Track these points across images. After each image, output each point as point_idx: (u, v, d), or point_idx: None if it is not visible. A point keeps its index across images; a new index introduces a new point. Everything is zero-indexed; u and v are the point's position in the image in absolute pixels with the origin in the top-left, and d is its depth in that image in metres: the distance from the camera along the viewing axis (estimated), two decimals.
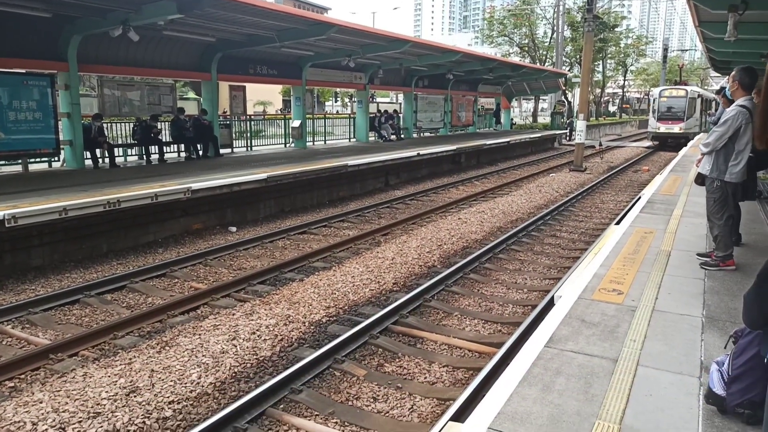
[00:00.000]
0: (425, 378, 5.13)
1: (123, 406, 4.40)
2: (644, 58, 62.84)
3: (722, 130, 5.36)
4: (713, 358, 3.24)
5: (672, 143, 29.16)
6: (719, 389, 2.95)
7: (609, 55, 50.89)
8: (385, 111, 25.08)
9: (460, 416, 4.08)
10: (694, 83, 41.93)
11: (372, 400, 4.73)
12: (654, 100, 30.96)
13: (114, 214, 9.14)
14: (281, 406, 4.62)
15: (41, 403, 4.43)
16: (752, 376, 2.77)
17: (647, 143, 32.81)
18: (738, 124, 5.29)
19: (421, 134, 27.42)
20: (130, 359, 5.23)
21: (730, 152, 5.41)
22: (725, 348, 3.25)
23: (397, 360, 5.48)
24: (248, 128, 19.74)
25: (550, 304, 5.75)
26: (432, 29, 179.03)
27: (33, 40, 11.72)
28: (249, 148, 19.05)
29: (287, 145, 20.46)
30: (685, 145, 23.72)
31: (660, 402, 3.12)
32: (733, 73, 5.54)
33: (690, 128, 28.85)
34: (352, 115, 25.02)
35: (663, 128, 29.32)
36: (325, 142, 22.57)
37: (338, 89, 44.87)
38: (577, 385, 3.30)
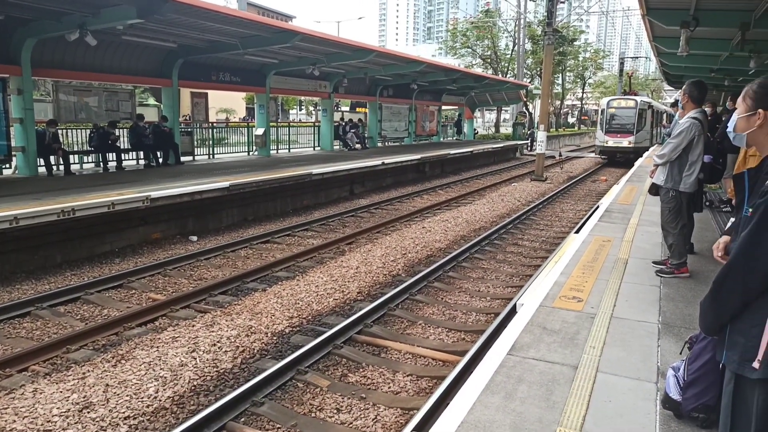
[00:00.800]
0: (389, 388, 5.10)
1: (75, 423, 4.23)
2: (602, 72, 64.72)
3: (677, 141, 5.54)
4: (669, 363, 3.32)
5: (621, 158, 26.92)
6: (675, 394, 3.02)
7: (568, 68, 52.24)
8: (350, 120, 25.09)
9: (423, 426, 4.07)
10: (644, 93, 39.42)
11: (335, 411, 4.67)
12: (601, 111, 28.44)
13: (68, 224, 8.84)
14: (242, 419, 4.52)
15: None
16: (706, 381, 2.84)
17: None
18: (692, 136, 5.47)
19: (386, 143, 27.53)
20: (84, 374, 5.04)
21: (684, 163, 5.58)
22: (681, 354, 3.33)
23: (361, 370, 5.44)
24: (210, 136, 19.45)
25: (513, 311, 5.81)
26: (396, 39, 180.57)
27: None
28: (211, 156, 18.75)
29: (250, 153, 20.24)
30: (635, 161, 21.66)
31: (619, 408, 3.17)
32: (684, 86, 5.74)
33: (640, 142, 26.70)
34: (316, 124, 24.93)
35: (611, 142, 26.86)
36: (289, 151, 22.41)
37: (303, 97, 44.68)
38: (539, 393, 3.33)
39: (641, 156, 23.03)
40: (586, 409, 3.14)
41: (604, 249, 6.91)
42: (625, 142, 26.40)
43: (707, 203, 9.97)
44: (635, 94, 30.10)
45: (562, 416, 3.07)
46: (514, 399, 3.25)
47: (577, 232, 9.13)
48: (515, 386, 3.40)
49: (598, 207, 10.83)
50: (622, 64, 38.43)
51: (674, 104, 8.92)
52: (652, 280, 5.67)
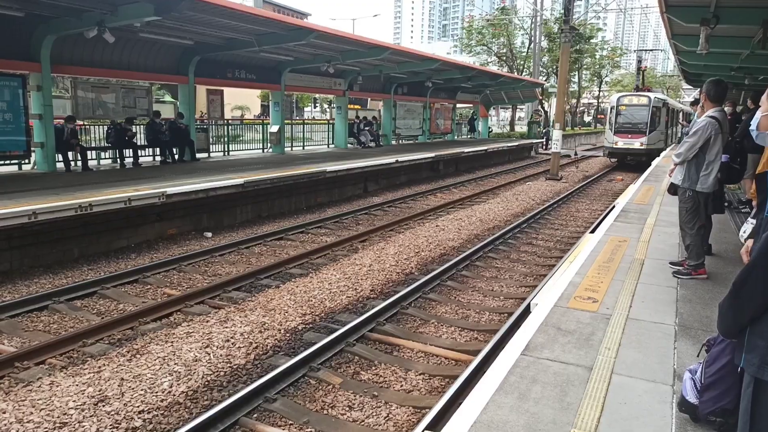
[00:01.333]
0: (401, 386, 5.09)
1: (91, 416, 4.27)
2: (619, 70, 64.04)
3: (693, 140, 5.46)
4: (686, 366, 3.27)
5: (632, 161, 24.61)
6: (692, 397, 2.97)
7: (585, 66, 51.76)
8: (364, 117, 25.09)
9: (436, 425, 4.06)
10: (659, 90, 36.36)
11: (347, 408, 4.67)
12: (611, 108, 25.54)
13: (86, 219, 8.95)
14: (255, 415, 4.54)
15: (4, 413, 4.28)
16: (724, 384, 2.79)
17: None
18: (708, 135, 5.40)
19: (400, 141, 27.49)
20: (100, 367, 5.10)
21: (701, 162, 5.50)
22: (698, 356, 3.29)
23: (374, 368, 5.43)
24: (226, 133, 19.56)
25: (526, 311, 5.77)
26: (411, 37, 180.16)
27: (4, 40, 11.46)
28: (226, 153, 18.86)
29: (265, 150, 20.33)
30: (648, 164, 19.66)
31: (634, 410, 3.13)
32: (704, 85, 5.66)
33: (653, 143, 23.99)
34: (330, 121, 24.98)
35: (621, 143, 24.10)
36: (303, 148, 22.47)
37: (317, 95, 44.78)
38: (553, 394, 3.30)
39: (654, 158, 21.28)
40: (600, 411, 3.11)
41: (620, 249, 6.83)
42: (637, 143, 23.70)
43: (726, 204, 9.82)
44: (649, 91, 27.20)
45: (576, 418, 3.04)
46: (528, 399, 3.23)
47: (592, 232, 9.05)
48: (529, 387, 3.38)
49: (614, 207, 10.72)
50: (639, 61, 37.66)
51: (694, 103, 8.80)
52: (669, 281, 5.60)
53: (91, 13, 11.26)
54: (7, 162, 12.54)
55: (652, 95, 24.63)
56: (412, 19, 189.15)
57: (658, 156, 21.58)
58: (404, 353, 5.81)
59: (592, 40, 48.76)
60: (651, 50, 42.26)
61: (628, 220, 8.72)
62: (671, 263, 6.10)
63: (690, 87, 35.75)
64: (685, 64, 17.84)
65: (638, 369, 3.64)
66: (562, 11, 21.96)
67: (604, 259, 6.33)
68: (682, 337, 4.18)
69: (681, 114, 32.17)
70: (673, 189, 6.00)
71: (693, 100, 20.10)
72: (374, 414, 4.59)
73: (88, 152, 13.95)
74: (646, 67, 34.72)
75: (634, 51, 42.48)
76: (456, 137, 33.83)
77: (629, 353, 3.87)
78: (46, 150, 12.57)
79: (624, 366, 3.67)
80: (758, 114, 2.16)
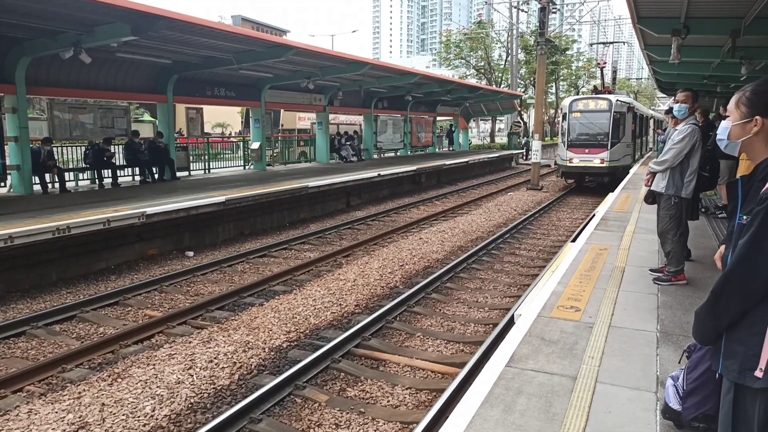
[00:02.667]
0: (388, 401, 5.06)
1: None
2: (595, 80, 65.10)
3: (681, 146, 5.54)
4: (669, 372, 3.30)
5: (591, 183, 20.40)
6: (675, 404, 3.00)
7: (561, 77, 52.51)
8: (345, 132, 25.15)
9: None
10: (623, 92, 28.55)
11: (334, 426, 4.63)
12: (563, 116, 19.84)
13: (64, 241, 8.80)
14: None
15: None
16: (706, 390, 2.82)
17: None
18: (694, 140, 5.51)
19: (382, 155, 27.59)
20: (80, 393, 4.99)
21: (685, 169, 5.60)
22: (680, 363, 3.32)
23: (360, 384, 5.39)
24: (206, 151, 19.46)
25: (511, 322, 5.79)
26: (390, 52, 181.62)
27: None
28: (207, 171, 18.75)
29: (246, 167, 20.24)
30: (613, 186, 15.61)
31: (619, 418, 3.15)
32: (677, 95, 5.78)
33: (617, 159, 18.65)
34: (311, 137, 24.99)
35: (577, 160, 18.74)
36: (285, 165, 22.43)
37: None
38: (538, 405, 3.30)
39: (620, 179, 17.20)
40: (585, 420, 3.12)
41: (601, 257, 6.90)
42: (596, 159, 18.48)
43: (703, 209, 9.99)
44: (609, 92, 21.74)
45: (562, 428, 3.04)
46: (514, 411, 3.23)
47: (573, 240, 9.13)
48: (514, 398, 3.38)
49: (594, 215, 10.85)
50: (614, 72, 38.22)
51: (668, 112, 8.95)
52: (650, 288, 5.66)
53: (66, 34, 11.18)
54: None
55: (613, 98, 19.12)
56: (391, 34, 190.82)
57: (626, 174, 17.55)
58: (390, 368, 5.78)
59: (567, 52, 49.53)
60: (612, 43, 35.97)
61: (608, 228, 8.82)
62: (651, 270, 6.17)
63: (664, 96, 36.34)
64: (658, 73, 18.23)
65: (622, 377, 3.66)
66: (538, 24, 22.25)
67: (585, 268, 6.39)
68: (664, 343, 4.22)
69: (652, 121, 29.80)
70: (651, 198, 6.07)
71: (667, 108, 20.21)
72: (361, 431, 4.54)
73: (66, 174, 13.77)
74: (605, 63, 27.26)
75: (619, 73, 39.71)
76: (437, 150, 34.04)
77: (613, 361, 3.90)
78: (23, 172, 12.38)
79: (608, 374, 3.69)
80: (726, 123, 2.18)
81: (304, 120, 29.40)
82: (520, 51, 41.98)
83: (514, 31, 39.88)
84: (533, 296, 5.69)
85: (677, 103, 5.76)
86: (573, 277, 6.02)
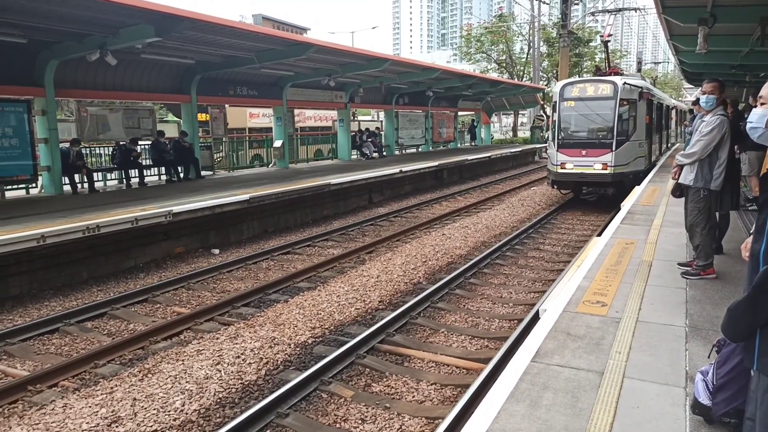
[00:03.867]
0: (413, 397, 5.08)
1: None
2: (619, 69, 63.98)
3: (709, 138, 5.44)
4: (698, 367, 3.26)
5: (590, 195, 16.58)
6: (705, 399, 2.96)
7: (585, 69, 51.82)
8: (367, 129, 25.18)
9: None
10: (636, 75, 18.92)
11: (360, 421, 4.67)
12: (553, 105, 15.14)
13: (93, 240, 9.01)
14: (267, 431, 4.54)
15: None
16: (737, 385, 2.78)
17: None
18: (723, 132, 5.40)
19: (403, 151, 27.57)
20: (112, 388, 5.12)
21: (714, 161, 5.50)
22: (709, 357, 3.27)
23: (385, 379, 5.43)
24: (230, 149, 19.67)
25: (536, 317, 5.76)
26: (411, 47, 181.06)
27: (9, 66, 11.61)
28: (231, 170, 18.96)
29: (269, 165, 20.41)
30: (618, 201, 11.96)
31: (647, 414, 3.12)
32: (704, 86, 5.66)
33: (625, 163, 13.88)
34: (333, 134, 25.09)
35: (571, 165, 14.13)
36: (307, 162, 22.56)
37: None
38: (565, 400, 3.29)
39: (629, 189, 13.03)
40: (613, 416, 3.10)
41: (628, 251, 6.81)
42: (597, 164, 13.85)
43: (745, 200, 9.80)
44: (616, 74, 15.87)
45: (589, 423, 3.02)
46: (540, 407, 3.22)
47: (599, 235, 9.02)
48: (540, 393, 3.37)
49: (620, 209, 10.70)
50: (639, 63, 37.58)
51: (696, 102, 8.77)
52: (678, 282, 5.58)
53: (92, 37, 11.41)
54: (15, 186, 12.66)
55: (619, 80, 14.17)
56: (411, 30, 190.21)
57: (638, 185, 13.31)
58: (415, 364, 5.80)
59: (590, 44, 48.84)
60: (618, 11, 27.97)
61: (634, 222, 8.70)
62: (679, 264, 6.08)
63: (691, 86, 35.63)
64: (684, 63, 17.86)
65: (650, 372, 3.62)
66: (560, 16, 21.95)
67: (611, 262, 6.32)
68: (692, 338, 4.16)
69: (674, 111, 26.23)
70: (679, 191, 5.97)
71: (694, 99, 19.48)
72: (387, 426, 4.58)
73: (94, 174, 14.07)
74: (609, 36, 20.26)
75: (644, 64, 38.72)
76: (459, 145, 33.89)
77: (640, 356, 3.86)
78: (53, 173, 12.68)
79: (635, 369, 3.66)
80: (759, 111, 2.12)
81: (258, 117, 27.48)
82: (542, 44, 41.53)
83: (536, 24, 39.44)
84: (558, 291, 5.65)
85: (704, 94, 5.65)
86: (599, 271, 5.96)
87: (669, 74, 73.92)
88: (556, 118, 14.60)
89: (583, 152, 14.02)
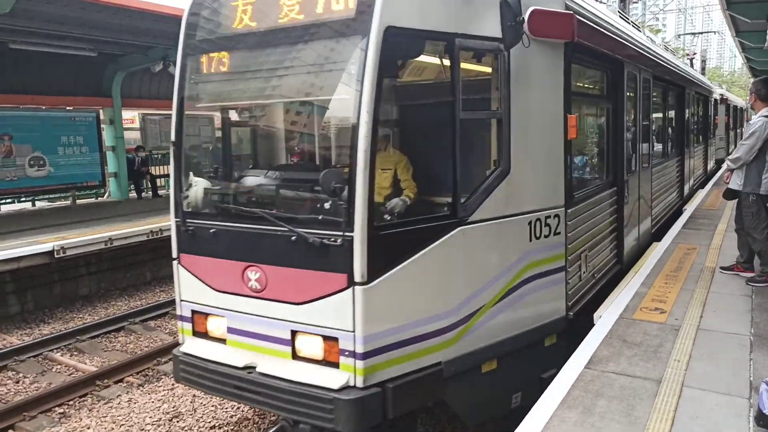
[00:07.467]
0: None
1: None
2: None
3: (750, 142, 5.23)
4: (763, 377, 3.12)
5: None
6: None
7: None
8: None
9: None
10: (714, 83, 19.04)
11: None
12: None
13: (156, 243, 9.40)
14: None
15: (89, 429, 4.56)
16: None
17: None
18: (766, 135, 5.16)
19: None
20: (173, 385, 5.34)
21: (762, 164, 5.26)
22: None
23: None
24: None
25: (590, 324, 5.63)
26: None
27: (81, 79, 12.30)
28: None
29: None
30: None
31: (707, 424, 3.01)
32: (751, 85, 5.44)
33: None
34: None
35: None
36: None
37: None
38: (619, 408, 3.21)
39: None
40: (670, 425, 3.00)
41: (689, 257, 6.56)
42: None
43: None
44: None
45: None
46: (593, 414, 3.16)
47: (658, 240, 8.71)
48: (593, 401, 3.30)
49: (682, 212, 10.30)
50: (704, 62, 35.84)
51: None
52: (743, 289, 5.33)
53: (155, 49, 11.93)
54: (85, 192, 13.38)
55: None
56: None
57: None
58: None
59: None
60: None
61: (696, 227, 8.36)
62: (722, 268, 5.85)
63: None
64: (752, 61, 17.06)
65: (711, 381, 3.49)
66: (618, 14, 21.32)
67: (671, 268, 6.10)
68: (758, 347, 3.98)
69: (739, 111, 23.03)
70: (730, 194, 5.75)
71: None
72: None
73: (158, 180, 14.67)
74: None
75: (709, 62, 33.84)
76: None
77: (701, 365, 3.72)
78: (119, 179, 13.33)
79: (695, 378, 3.53)
80: None
81: None
82: None
83: None
84: (614, 297, 5.50)
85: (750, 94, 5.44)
86: (657, 277, 5.76)
87: (736, 72, 70.49)
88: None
89: None
